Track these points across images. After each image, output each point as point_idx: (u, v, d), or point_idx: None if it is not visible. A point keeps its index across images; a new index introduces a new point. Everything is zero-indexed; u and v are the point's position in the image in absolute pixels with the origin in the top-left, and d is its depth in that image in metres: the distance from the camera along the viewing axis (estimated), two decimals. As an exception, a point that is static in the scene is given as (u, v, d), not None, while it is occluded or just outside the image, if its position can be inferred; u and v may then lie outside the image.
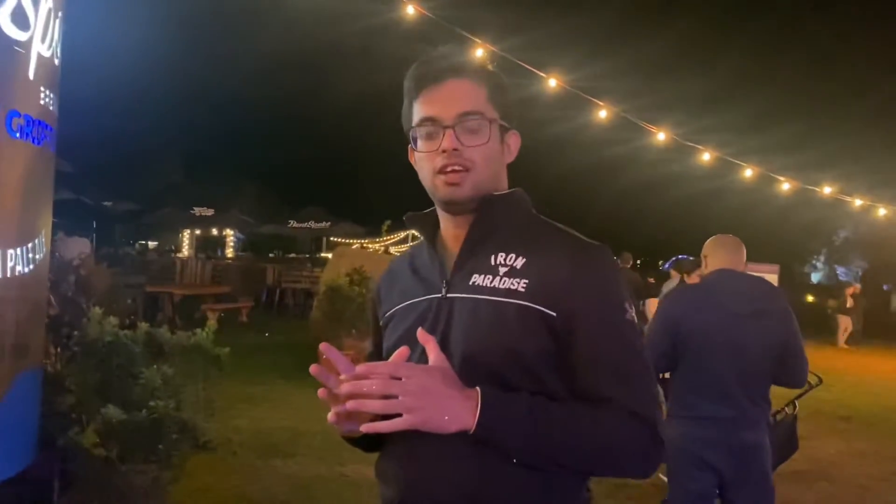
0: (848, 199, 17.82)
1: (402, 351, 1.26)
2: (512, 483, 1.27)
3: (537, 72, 10.18)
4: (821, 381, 5.12)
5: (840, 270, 30.88)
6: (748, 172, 15.00)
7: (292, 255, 32.99)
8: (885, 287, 26.78)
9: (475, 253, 1.40)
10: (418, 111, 1.40)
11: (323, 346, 1.26)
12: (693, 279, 5.44)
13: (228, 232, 28.48)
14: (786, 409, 4.66)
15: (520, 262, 1.35)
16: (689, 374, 3.23)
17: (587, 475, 1.37)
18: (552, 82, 10.20)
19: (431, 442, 1.25)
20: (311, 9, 8.99)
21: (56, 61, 2.78)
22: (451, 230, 1.45)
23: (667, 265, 10.71)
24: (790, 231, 27.79)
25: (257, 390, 8.05)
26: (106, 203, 21.42)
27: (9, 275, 2.51)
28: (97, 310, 3.20)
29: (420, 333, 1.26)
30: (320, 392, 1.28)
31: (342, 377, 1.21)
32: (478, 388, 1.21)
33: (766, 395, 3.23)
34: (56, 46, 2.77)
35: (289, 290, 18.07)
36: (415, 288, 1.46)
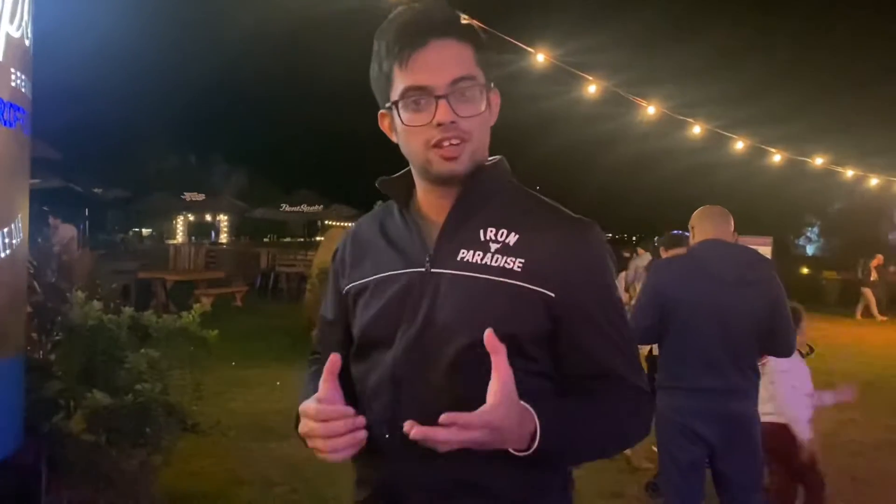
0: (840, 169, 17.82)
1: (335, 358, 1.24)
2: (501, 466, 1.25)
3: (525, 47, 10.11)
4: (812, 350, 5.13)
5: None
6: (739, 145, 14.98)
7: (287, 239, 32.97)
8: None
9: (462, 226, 1.32)
10: (402, 79, 1.27)
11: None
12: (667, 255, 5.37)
13: (222, 217, 28.41)
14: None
15: (513, 239, 1.29)
16: (676, 345, 3.22)
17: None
18: (540, 57, 10.12)
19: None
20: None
21: (27, 42, 2.73)
22: (434, 199, 1.36)
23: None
24: (783, 203, 27.85)
25: (252, 374, 8.05)
26: (96, 190, 21.33)
27: (-15, 260, 2.47)
28: (80, 294, 3.17)
29: (488, 338, 1.14)
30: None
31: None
32: (533, 413, 1.18)
33: (754, 364, 3.23)
34: (26, 27, 2.72)
35: (283, 273, 18.07)
36: (391, 259, 1.36)
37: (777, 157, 16.14)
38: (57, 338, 3.31)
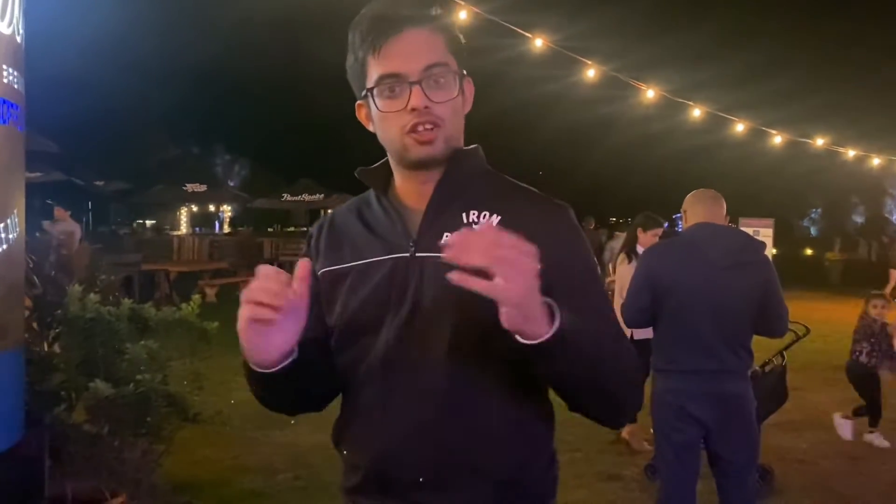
0: (841, 150, 17.75)
1: (304, 263, 1.23)
2: (489, 447, 1.28)
3: (524, 32, 10.08)
4: (808, 331, 5.15)
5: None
6: (740, 127, 14.93)
7: (290, 228, 33.00)
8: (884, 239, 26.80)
9: (444, 210, 1.34)
10: (376, 67, 1.30)
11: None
12: (649, 238, 5.37)
13: (225, 207, 28.44)
14: (773, 359, 4.70)
15: (495, 220, 1.32)
16: (670, 328, 3.25)
17: (601, 398, 1.32)
18: (538, 42, 10.10)
19: (409, 405, 1.28)
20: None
21: (18, 38, 2.75)
22: (413, 186, 1.38)
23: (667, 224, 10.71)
24: (786, 185, 27.76)
25: (255, 363, 8.09)
26: (98, 183, 21.33)
27: (-18, 255, 2.50)
28: (77, 287, 3.20)
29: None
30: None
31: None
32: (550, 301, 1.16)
33: (748, 345, 3.26)
34: (18, 23, 2.74)
35: (287, 262, 18.12)
36: (372, 246, 1.38)
37: (778, 139, 16.08)
38: (57, 331, 3.35)
